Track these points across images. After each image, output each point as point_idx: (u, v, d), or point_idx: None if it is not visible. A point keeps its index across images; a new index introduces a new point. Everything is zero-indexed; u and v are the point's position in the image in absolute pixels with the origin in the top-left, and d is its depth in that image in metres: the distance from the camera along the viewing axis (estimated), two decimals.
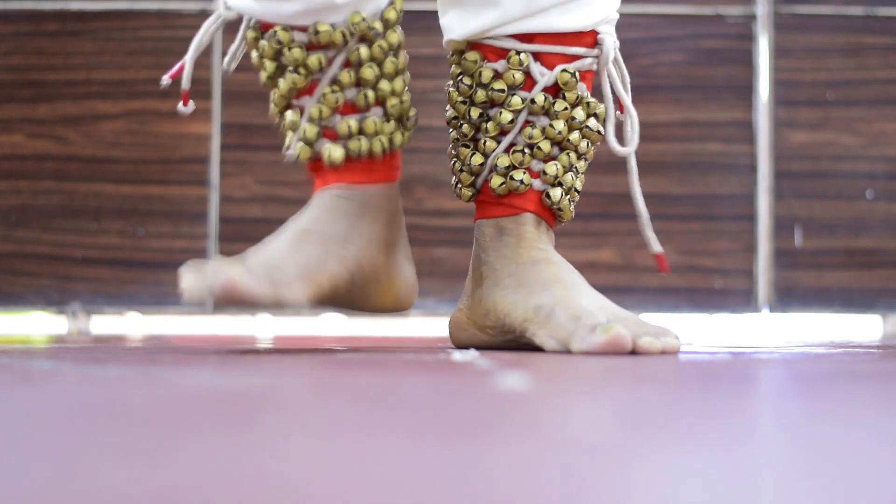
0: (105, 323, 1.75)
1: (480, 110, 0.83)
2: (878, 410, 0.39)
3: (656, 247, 0.86)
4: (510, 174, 0.82)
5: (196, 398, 0.41)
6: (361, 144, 0.81)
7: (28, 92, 1.69)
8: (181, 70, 0.83)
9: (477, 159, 0.83)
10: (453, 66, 0.84)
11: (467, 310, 0.85)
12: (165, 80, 0.82)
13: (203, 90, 1.64)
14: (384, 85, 0.82)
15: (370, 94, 0.82)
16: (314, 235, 0.78)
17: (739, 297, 1.68)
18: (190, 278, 0.69)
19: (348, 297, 0.81)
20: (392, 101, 0.83)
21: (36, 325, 1.79)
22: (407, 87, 0.84)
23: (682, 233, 1.67)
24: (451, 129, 0.86)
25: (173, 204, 1.67)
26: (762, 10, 1.69)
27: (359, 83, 0.82)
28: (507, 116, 0.81)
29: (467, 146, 0.84)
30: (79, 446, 0.27)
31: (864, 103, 1.69)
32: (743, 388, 0.47)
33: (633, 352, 0.73)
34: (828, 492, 0.22)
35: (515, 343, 0.81)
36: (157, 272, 1.67)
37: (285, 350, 0.83)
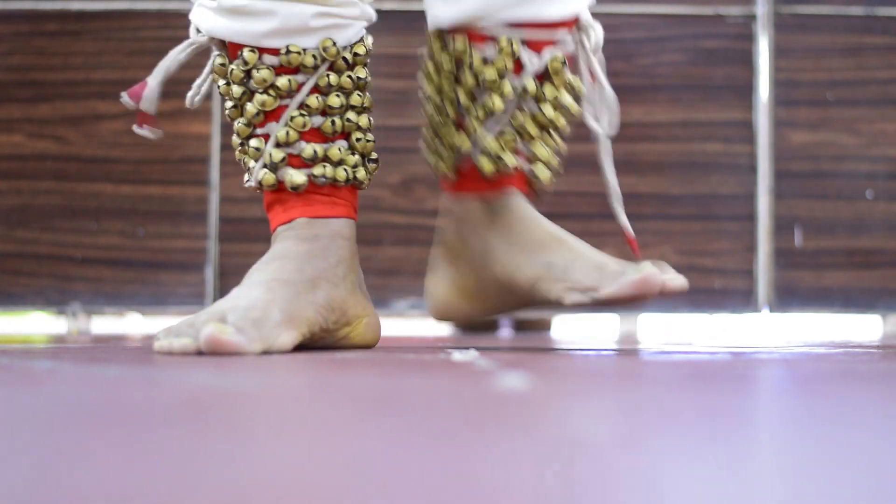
0: (105, 323, 1.75)
1: (466, 94, 0.83)
2: (878, 410, 0.39)
3: (629, 230, 0.87)
4: (501, 157, 0.83)
5: (196, 398, 0.41)
6: (325, 171, 0.81)
7: (28, 92, 1.69)
8: (142, 90, 0.84)
9: (464, 142, 0.83)
10: (436, 50, 0.84)
11: (453, 281, 0.86)
12: (125, 98, 0.83)
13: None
14: (351, 115, 0.83)
15: (337, 122, 0.82)
16: (286, 284, 0.78)
17: (739, 297, 1.68)
18: (178, 344, 0.71)
19: (322, 340, 0.82)
20: (357, 135, 0.83)
21: (36, 325, 1.79)
22: (370, 128, 0.85)
23: (682, 233, 1.67)
24: (431, 110, 0.86)
25: (173, 204, 1.67)
26: (762, 10, 1.69)
27: (326, 111, 0.82)
28: (498, 102, 0.82)
29: (448, 126, 0.85)
30: (79, 446, 0.27)
31: (864, 103, 1.69)
32: (743, 388, 0.47)
33: (661, 293, 0.73)
34: (828, 491, 0.22)
35: (514, 304, 0.83)
36: (157, 272, 1.67)
37: (284, 351, 0.83)
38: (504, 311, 0.85)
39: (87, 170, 1.68)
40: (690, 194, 1.68)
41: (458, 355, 0.73)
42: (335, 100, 0.82)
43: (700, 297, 1.68)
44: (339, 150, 0.82)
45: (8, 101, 1.70)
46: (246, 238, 1.66)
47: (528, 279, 0.80)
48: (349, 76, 0.82)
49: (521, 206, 0.84)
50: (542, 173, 0.84)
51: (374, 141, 0.84)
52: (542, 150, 0.83)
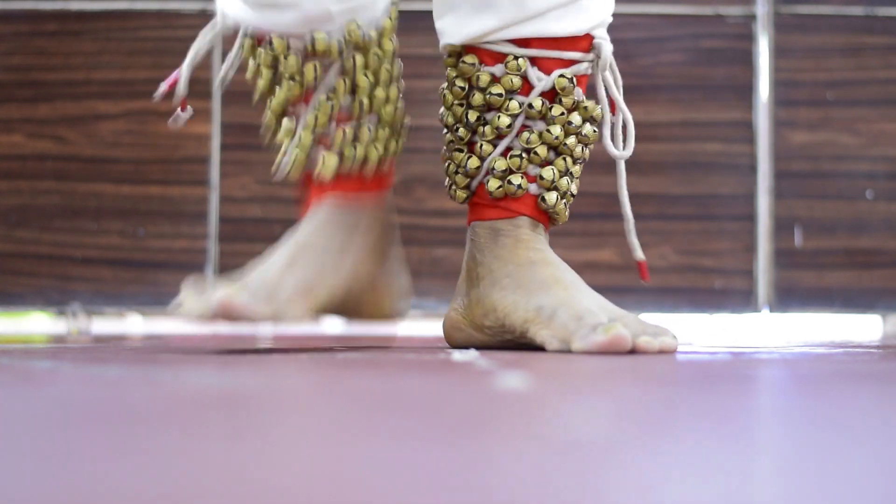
0: (105, 323, 1.75)
1: (478, 114, 0.83)
2: (878, 410, 0.39)
3: (639, 254, 0.86)
4: (507, 178, 0.82)
5: (196, 398, 0.41)
6: (357, 152, 0.82)
7: (28, 92, 1.69)
8: (175, 80, 0.84)
9: (473, 162, 0.83)
10: (449, 68, 0.85)
11: (463, 310, 0.85)
12: (162, 88, 0.83)
13: (203, 90, 1.64)
14: (379, 92, 0.83)
15: (365, 101, 0.82)
16: (310, 249, 0.79)
17: (739, 297, 1.68)
18: (189, 298, 0.70)
19: (345, 307, 0.82)
20: (387, 109, 0.83)
21: (36, 325, 1.78)
22: (401, 95, 0.85)
23: (682, 233, 1.67)
24: (445, 131, 0.86)
25: (173, 204, 1.67)
26: (762, 10, 1.69)
27: (354, 91, 0.82)
28: (504, 121, 0.81)
29: (461, 150, 0.84)
30: (79, 446, 0.27)
31: (864, 103, 1.69)
32: (743, 388, 0.47)
33: (633, 351, 0.73)
34: (828, 492, 0.22)
35: (513, 343, 0.81)
36: (157, 272, 1.67)
37: (285, 350, 0.83)
38: (496, 341, 0.84)
39: (87, 170, 1.68)
40: (690, 194, 1.68)
41: (458, 355, 0.73)
42: (363, 80, 0.82)
43: (700, 297, 1.68)
44: (370, 129, 0.83)
45: (8, 101, 1.70)
46: (246, 238, 1.66)
47: (520, 319, 0.79)
48: (375, 53, 0.82)
49: (525, 234, 0.82)
50: (549, 196, 0.83)
51: (402, 109, 0.85)
52: (549, 171, 0.82)
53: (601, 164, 1.69)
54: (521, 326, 0.79)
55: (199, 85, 1.61)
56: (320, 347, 0.89)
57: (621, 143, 0.84)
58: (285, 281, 0.75)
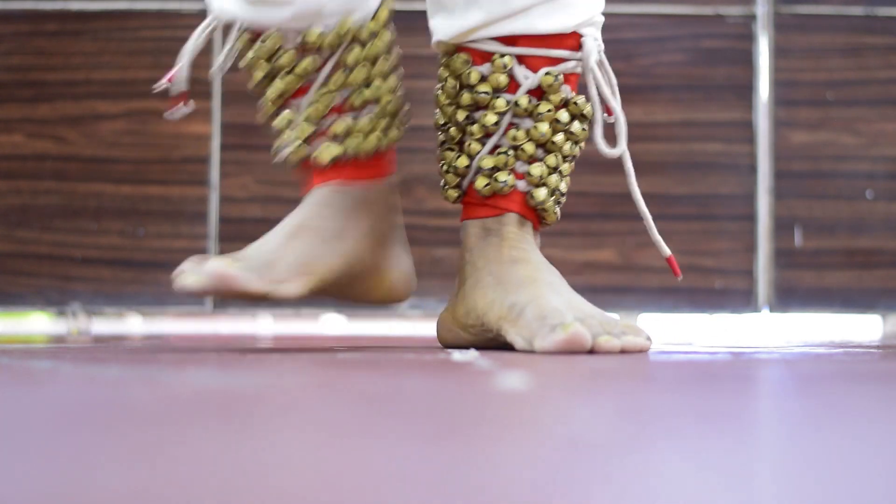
0: (105, 323, 1.75)
1: (466, 112, 0.83)
2: (878, 410, 0.39)
3: (665, 251, 0.86)
4: (494, 175, 0.82)
5: (196, 398, 0.41)
6: (357, 142, 0.82)
7: (28, 92, 1.69)
8: (177, 73, 0.84)
9: (462, 161, 0.83)
10: (442, 68, 0.85)
11: (452, 309, 0.86)
12: (163, 83, 0.83)
13: (203, 90, 1.64)
14: (378, 83, 0.83)
15: (365, 91, 0.83)
16: (309, 230, 0.79)
17: (739, 297, 1.68)
18: (187, 270, 0.70)
19: (344, 289, 0.82)
20: (386, 98, 0.84)
21: (36, 325, 1.78)
22: (400, 83, 0.85)
23: (682, 233, 1.67)
24: (438, 132, 0.86)
25: (173, 204, 1.67)
26: (762, 10, 1.69)
27: (351, 85, 0.82)
28: (491, 118, 0.82)
29: (452, 149, 0.85)
30: (79, 446, 0.27)
31: (864, 103, 1.69)
32: (743, 388, 0.47)
33: (592, 351, 0.72)
34: (827, 492, 0.22)
35: (495, 342, 0.81)
36: (157, 272, 1.67)
37: (285, 350, 0.83)
38: (479, 340, 0.84)
39: (87, 170, 1.68)
40: (690, 194, 1.68)
41: (458, 355, 0.73)
42: (361, 71, 0.82)
43: (700, 297, 1.68)
44: (369, 119, 0.83)
45: (8, 101, 1.70)
46: (246, 238, 1.66)
47: (496, 317, 0.79)
48: (373, 45, 0.83)
49: (511, 232, 0.83)
50: (538, 194, 0.83)
51: (402, 97, 0.85)
52: (537, 168, 0.82)
53: (601, 164, 1.69)
54: (496, 324, 0.79)
55: (200, 85, 1.62)
56: (320, 347, 0.89)
57: (616, 142, 0.84)
58: (283, 257, 0.75)
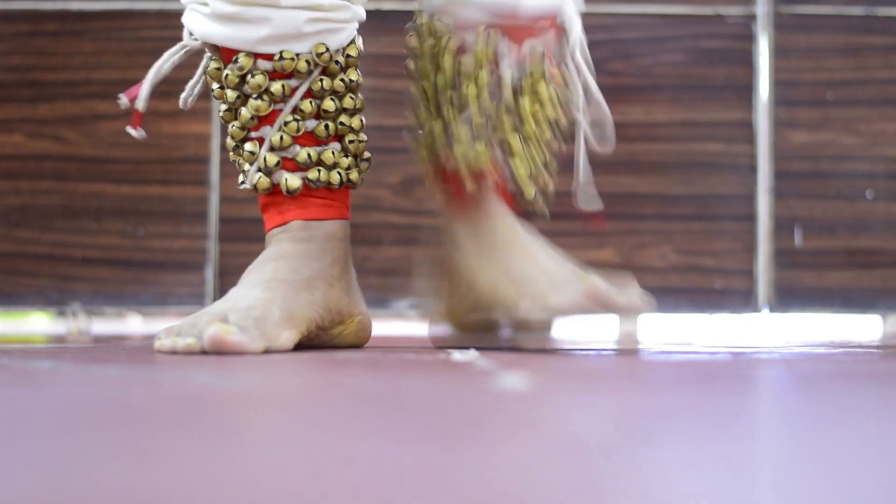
0: (105, 323, 1.75)
1: (446, 80, 0.83)
2: (878, 410, 0.39)
3: (595, 203, 0.87)
4: (473, 148, 0.82)
5: (195, 398, 0.41)
6: (320, 175, 0.82)
7: (28, 92, 1.69)
8: (138, 90, 0.85)
9: (438, 125, 0.83)
10: (425, 31, 0.84)
11: (443, 296, 0.87)
12: (123, 101, 0.84)
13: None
14: (344, 119, 0.84)
15: (330, 125, 0.83)
16: (283, 283, 0.79)
17: (739, 297, 1.68)
18: (182, 343, 0.72)
19: (318, 338, 0.83)
20: (350, 137, 0.84)
21: (36, 325, 1.78)
22: (363, 129, 0.85)
23: (682, 233, 1.67)
24: (415, 99, 0.86)
25: (173, 204, 1.67)
26: (762, 10, 1.69)
27: (319, 115, 0.83)
28: (472, 91, 0.82)
29: (430, 114, 0.85)
30: (79, 446, 0.27)
31: (864, 103, 1.69)
32: (743, 388, 0.48)
33: (605, 307, 0.73)
34: (827, 492, 0.22)
35: (482, 309, 0.82)
36: (157, 272, 1.67)
37: (285, 350, 0.83)
38: (474, 316, 0.84)
39: (87, 170, 1.69)
40: (690, 194, 1.68)
41: (458, 355, 0.73)
42: (329, 104, 0.83)
43: (700, 297, 1.68)
44: (333, 153, 0.83)
45: (8, 101, 1.70)
46: (246, 238, 1.66)
47: (488, 283, 0.80)
48: (342, 79, 0.83)
49: (492, 206, 0.83)
50: (520, 170, 0.83)
51: (366, 141, 0.85)
52: (517, 143, 0.83)
53: (602, 165, 1.69)
54: (489, 289, 0.80)
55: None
56: (319, 347, 0.89)
57: (586, 111, 0.85)
58: (271, 310, 0.76)
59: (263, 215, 0.85)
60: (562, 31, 0.84)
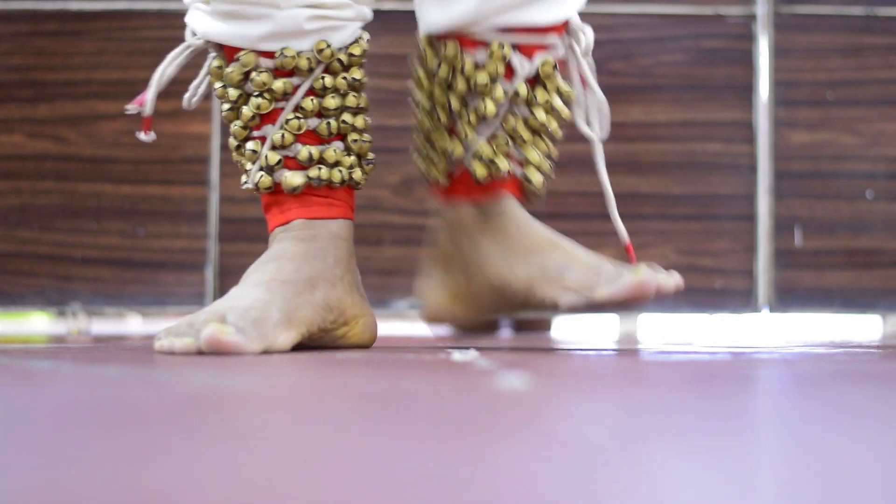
0: (105, 323, 1.75)
1: (460, 99, 0.83)
2: (878, 410, 0.39)
3: (625, 237, 0.88)
4: (494, 161, 0.83)
5: (196, 398, 0.41)
6: (321, 173, 0.82)
7: (28, 92, 1.69)
8: (145, 98, 0.85)
9: (456, 147, 0.83)
10: (429, 55, 0.84)
11: (448, 290, 0.86)
12: (132, 107, 0.84)
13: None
14: (346, 117, 0.83)
15: (332, 123, 0.83)
16: (283, 283, 0.79)
17: (739, 297, 1.68)
18: (180, 344, 0.71)
19: (320, 340, 0.82)
20: (353, 136, 0.84)
21: (36, 325, 1.78)
22: (367, 129, 0.85)
23: (682, 233, 1.67)
24: (420, 114, 0.86)
25: (173, 204, 1.67)
26: (762, 10, 1.69)
27: (321, 113, 0.82)
28: (490, 107, 0.82)
29: (441, 132, 0.85)
30: (79, 446, 0.27)
31: (864, 103, 1.69)
32: (743, 388, 0.47)
33: (655, 294, 0.74)
34: (827, 492, 0.22)
35: (508, 308, 0.83)
36: (157, 272, 1.67)
37: (284, 350, 0.83)
38: (497, 315, 0.85)
39: (87, 170, 1.69)
40: (690, 194, 1.68)
41: (458, 355, 0.73)
42: (331, 101, 0.82)
43: (700, 297, 1.68)
44: (335, 151, 0.83)
45: (8, 101, 1.70)
46: (246, 238, 1.66)
47: (522, 282, 0.80)
48: (344, 77, 0.83)
49: (514, 209, 0.84)
50: (535, 177, 0.84)
51: (370, 142, 0.85)
52: (534, 154, 0.84)
53: None
54: (523, 287, 0.81)
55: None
56: (319, 347, 0.89)
57: (595, 125, 0.85)
58: (270, 315, 0.76)
59: (266, 215, 0.85)
60: (572, 38, 0.84)
